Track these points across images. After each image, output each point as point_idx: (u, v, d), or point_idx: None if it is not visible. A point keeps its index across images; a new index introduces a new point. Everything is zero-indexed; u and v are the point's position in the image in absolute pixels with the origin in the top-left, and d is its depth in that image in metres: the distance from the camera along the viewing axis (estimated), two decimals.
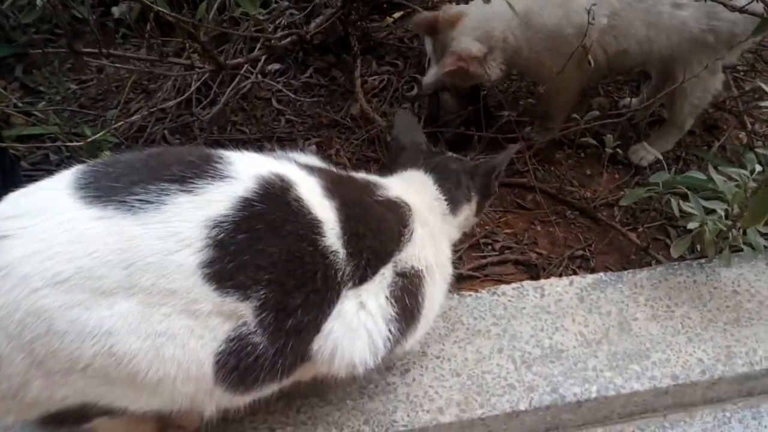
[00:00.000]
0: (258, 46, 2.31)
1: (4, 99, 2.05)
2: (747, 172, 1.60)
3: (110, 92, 2.55)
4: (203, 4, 1.78)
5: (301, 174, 1.25)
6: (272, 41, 2.22)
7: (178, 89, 2.48)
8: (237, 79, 2.35)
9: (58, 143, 2.13)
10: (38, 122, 2.29)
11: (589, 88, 2.74)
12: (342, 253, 1.20)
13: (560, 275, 2.05)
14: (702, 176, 1.87)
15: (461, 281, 2.01)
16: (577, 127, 2.21)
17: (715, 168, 1.85)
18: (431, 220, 1.45)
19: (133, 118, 2.09)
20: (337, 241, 1.19)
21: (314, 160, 1.47)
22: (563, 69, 2.14)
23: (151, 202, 1.02)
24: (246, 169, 1.14)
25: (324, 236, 1.17)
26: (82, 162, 1.16)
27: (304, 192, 1.19)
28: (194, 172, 1.08)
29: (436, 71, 2.29)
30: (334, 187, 1.27)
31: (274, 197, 1.14)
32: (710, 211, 1.72)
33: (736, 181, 1.68)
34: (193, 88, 2.34)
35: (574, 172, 2.49)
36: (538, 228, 2.30)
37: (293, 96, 2.68)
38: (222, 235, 1.04)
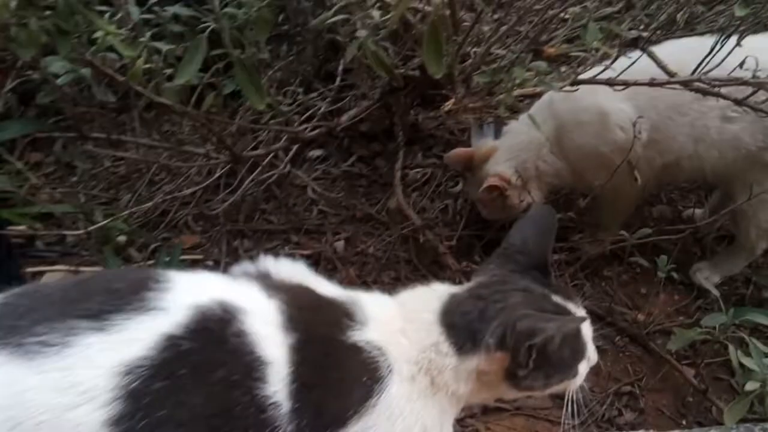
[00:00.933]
0: (284, 137, 2.19)
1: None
2: None
3: (136, 172, 2.47)
4: (211, 95, 1.67)
5: (258, 298, 1.04)
6: (297, 134, 2.10)
7: (207, 171, 2.38)
8: (257, 170, 2.23)
9: (77, 223, 2.05)
10: (62, 200, 2.22)
11: (650, 195, 2.51)
12: (285, 406, 0.95)
13: (603, 415, 1.80)
14: (764, 316, 1.61)
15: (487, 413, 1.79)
16: (626, 242, 1.97)
17: None
18: (425, 372, 1.12)
19: (146, 205, 1.98)
20: (282, 389, 0.95)
21: (298, 271, 1.27)
22: (610, 181, 1.94)
23: (53, 345, 0.84)
24: (182, 298, 0.94)
25: (265, 383, 0.94)
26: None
27: (252, 324, 0.97)
28: (115, 304, 0.89)
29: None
30: (301, 316, 1.04)
31: (209, 333, 0.93)
32: None
33: None
34: (214, 176, 2.24)
35: (627, 290, 2.25)
36: None
37: (328, 185, 2.55)
38: (136, 383, 0.84)
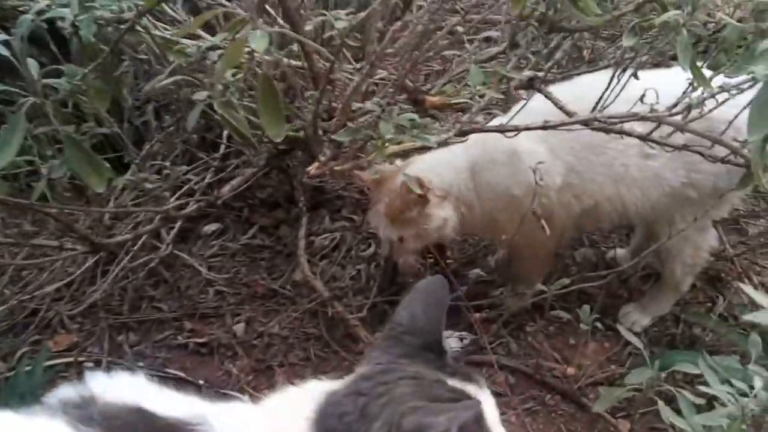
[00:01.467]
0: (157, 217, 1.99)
1: None
2: (746, 388, 1.18)
3: None
4: (40, 182, 1.45)
5: None
6: (168, 212, 1.90)
7: (77, 263, 2.14)
8: (128, 257, 2.01)
9: None
10: None
11: (571, 240, 2.39)
12: None
13: None
14: (694, 366, 1.46)
15: None
16: (545, 295, 1.82)
17: (711, 353, 1.45)
18: None
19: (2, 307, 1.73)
20: None
21: (136, 389, 1.05)
22: (523, 231, 1.80)
23: None
24: None
25: None
26: None
27: None
28: None
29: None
30: None
31: None
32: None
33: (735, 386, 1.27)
34: (82, 268, 2.01)
35: (554, 343, 2.09)
36: (512, 419, 1.87)
37: (226, 261, 2.35)
38: None
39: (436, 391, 0.95)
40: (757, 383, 1.09)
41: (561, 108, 1.64)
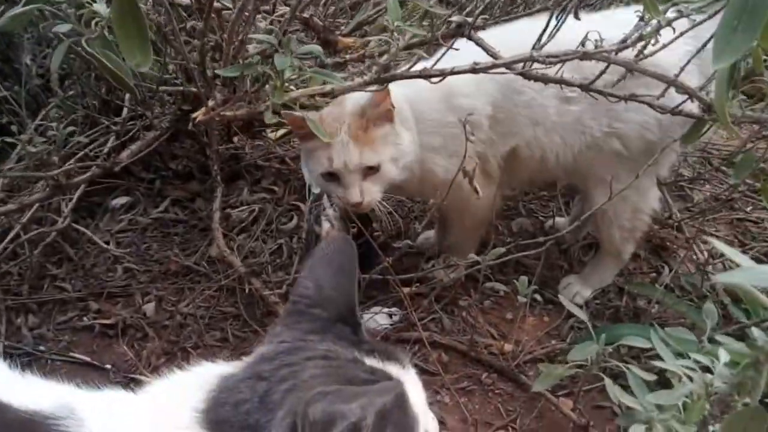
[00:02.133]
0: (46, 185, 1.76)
1: None
2: (707, 362, 1.03)
3: None
4: None
5: None
6: (58, 179, 1.67)
7: None
8: (14, 231, 1.79)
9: None
10: None
11: (507, 207, 2.25)
12: None
13: None
14: (644, 340, 1.31)
15: None
16: (479, 266, 1.66)
17: (662, 325, 1.32)
18: None
19: None
20: None
21: None
22: (453, 186, 1.63)
23: None
24: None
25: None
26: None
27: None
28: None
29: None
30: None
31: None
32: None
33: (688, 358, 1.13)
34: None
35: (490, 318, 1.95)
36: (446, 400, 1.72)
37: (136, 237, 2.13)
38: None
39: (350, 372, 0.79)
40: (723, 356, 0.94)
41: (489, 53, 1.48)
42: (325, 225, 2.00)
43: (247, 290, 1.90)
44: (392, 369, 0.84)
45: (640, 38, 1.24)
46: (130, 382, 1.76)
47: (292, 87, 1.21)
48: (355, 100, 1.59)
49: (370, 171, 1.62)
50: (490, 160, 1.77)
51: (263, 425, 0.72)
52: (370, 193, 1.63)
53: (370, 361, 0.83)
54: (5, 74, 2.30)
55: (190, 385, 0.80)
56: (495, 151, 1.76)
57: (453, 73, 1.36)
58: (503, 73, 1.41)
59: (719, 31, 1.00)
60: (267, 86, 1.20)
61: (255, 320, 1.91)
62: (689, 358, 1.24)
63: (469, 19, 1.59)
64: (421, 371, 1.73)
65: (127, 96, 2.02)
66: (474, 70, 1.38)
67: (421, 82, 1.63)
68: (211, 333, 1.89)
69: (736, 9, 0.99)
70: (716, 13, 1.15)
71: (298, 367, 0.78)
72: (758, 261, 2.08)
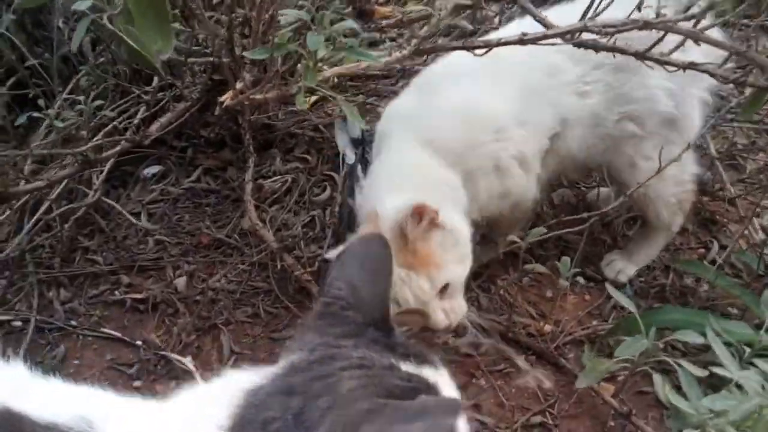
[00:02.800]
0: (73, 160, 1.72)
1: None
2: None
3: None
4: None
5: None
6: (86, 154, 1.63)
7: None
8: (45, 206, 1.76)
9: None
10: None
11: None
12: None
13: None
14: (697, 334, 1.24)
15: None
16: (518, 244, 1.59)
17: (706, 308, 1.23)
18: None
19: None
20: None
21: (9, 382, 0.84)
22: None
23: None
24: None
25: None
26: None
27: None
28: None
29: None
30: None
31: None
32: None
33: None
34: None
35: (529, 296, 1.88)
36: (482, 382, 1.68)
37: (168, 208, 2.10)
38: None
39: (388, 381, 0.72)
40: None
41: (540, 21, 1.38)
42: (359, 197, 1.94)
43: (279, 266, 1.86)
44: (428, 373, 0.79)
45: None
46: (160, 359, 1.75)
47: (324, 67, 1.13)
48: (389, 218, 1.42)
49: (444, 289, 1.45)
50: (528, 153, 1.68)
51: None
52: (454, 311, 1.47)
53: (406, 367, 0.77)
54: (36, 39, 2.26)
55: (215, 400, 0.75)
56: (531, 146, 1.68)
57: (501, 44, 1.27)
58: (554, 44, 1.31)
59: None
60: (299, 65, 1.13)
61: (287, 296, 1.87)
62: (744, 352, 1.17)
63: None
64: (456, 352, 1.71)
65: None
66: (522, 41, 1.29)
67: (431, 110, 1.60)
68: (242, 309, 1.87)
69: None
70: None
71: (334, 378, 0.72)
72: None
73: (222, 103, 1.23)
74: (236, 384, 0.75)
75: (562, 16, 1.35)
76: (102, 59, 2.09)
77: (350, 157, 2.06)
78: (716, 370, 1.01)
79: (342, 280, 0.84)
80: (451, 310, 1.46)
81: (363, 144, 2.06)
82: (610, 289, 1.39)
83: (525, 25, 1.40)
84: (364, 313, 0.81)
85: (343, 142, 2.11)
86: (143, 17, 0.94)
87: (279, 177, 2.20)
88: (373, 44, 2.03)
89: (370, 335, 0.80)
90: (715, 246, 1.97)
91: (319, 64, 1.08)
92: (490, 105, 1.61)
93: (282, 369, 0.77)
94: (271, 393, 0.72)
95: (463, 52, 1.33)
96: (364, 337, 0.79)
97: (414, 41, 1.24)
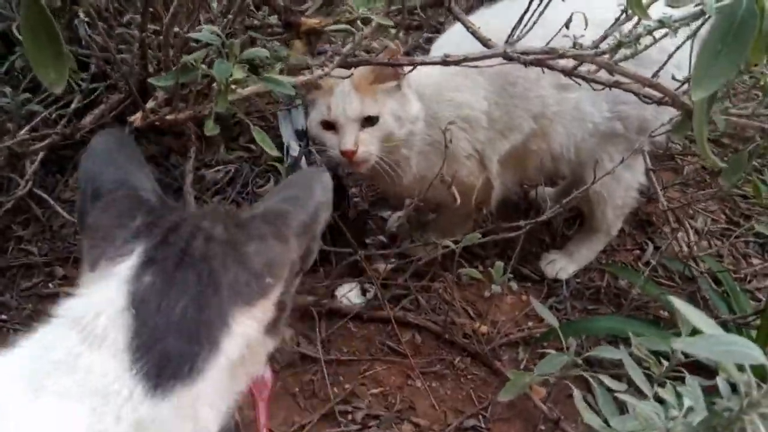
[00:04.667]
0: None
1: None
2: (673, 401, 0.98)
3: None
4: None
5: None
6: (12, 148, 1.58)
7: None
8: None
9: None
10: None
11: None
12: None
13: None
14: (613, 350, 1.26)
15: None
16: (454, 246, 1.59)
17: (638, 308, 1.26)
18: None
19: None
20: None
21: None
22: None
23: None
24: None
25: None
26: None
27: None
28: None
29: None
30: None
31: None
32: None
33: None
34: None
35: (467, 294, 1.90)
36: (418, 384, 1.69)
37: None
38: None
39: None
40: (686, 402, 0.88)
41: (475, 35, 1.36)
42: None
43: None
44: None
45: (619, 44, 1.13)
46: None
47: (238, 90, 1.10)
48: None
49: (369, 123, 1.54)
50: (492, 158, 1.71)
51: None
52: (365, 144, 1.53)
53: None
54: None
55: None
56: (496, 149, 1.70)
57: (422, 63, 1.26)
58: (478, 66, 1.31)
59: (700, 57, 0.91)
60: (213, 84, 1.11)
61: None
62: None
63: None
64: (393, 353, 1.73)
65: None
66: (444, 62, 1.28)
67: (418, 77, 1.56)
68: None
69: (720, 31, 0.89)
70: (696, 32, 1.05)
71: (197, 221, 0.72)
72: (746, 244, 2.06)
73: (131, 123, 1.20)
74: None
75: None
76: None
77: (294, 148, 2.03)
78: (623, 396, 1.03)
79: (106, 171, 0.76)
80: (361, 141, 1.53)
81: (306, 136, 2.04)
82: (536, 304, 1.41)
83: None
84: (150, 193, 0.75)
85: (287, 134, 2.08)
86: (37, 50, 0.89)
87: (222, 167, 2.17)
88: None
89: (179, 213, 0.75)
90: (650, 248, 2.02)
91: (233, 86, 1.05)
92: (465, 95, 1.61)
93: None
94: (165, 280, 0.66)
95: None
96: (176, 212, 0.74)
97: (337, 59, 1.22)
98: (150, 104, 1.22)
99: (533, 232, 2.00)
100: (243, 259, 0.69)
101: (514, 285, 1.67)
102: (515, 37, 1.26)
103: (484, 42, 1.28)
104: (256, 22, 1.48)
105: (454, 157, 1.64)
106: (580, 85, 1.36)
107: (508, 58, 1.18)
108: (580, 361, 1.26)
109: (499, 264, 1.59)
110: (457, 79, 1.62)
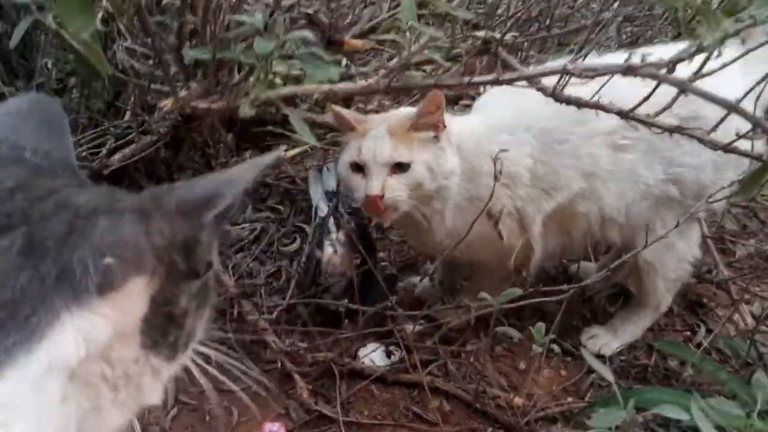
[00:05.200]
0: None
1: None
2: None
3: None
4: None
5: None
6: None
7: None
8: None
9: None
10: None
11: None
12: None
13: None
14: (682, 410, 1.11)
15: None
16: (491, 308, 1.46)
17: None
18: None
19: None
20: None
21: None
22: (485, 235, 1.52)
23: None
24: None
25: None
26: None
27: None
28: None
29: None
30: None
31: None
32: None
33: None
34: None
35: (501, 365, 1.75)
36: None
37: None
38: None
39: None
40: None
41: (521, 74, 1.31)
42: (328, 250, 1.84)
43: (236, 313, 1.73)
44: None
45: (697, 52, 1.05)
46: None
47: (278, 80, 1.04)
48: (410, 111, 1.51)
49: (399, 170, 1.46)
50: (534, 218, 1.61)
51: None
52: (392, 189, 1.45)
53: None
54: (22, 73, 2.19)
55: None
56: (539, 208, 1.60)
57: (474, 83, 1.20)
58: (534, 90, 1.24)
59: None
60: (251, 78, 1.04)
61: (242, 347, 1.73)
62: None
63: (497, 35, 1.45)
64: (418, 419, 1.57)
65: (132, 99, 1.87)
66: (497, 81, 1.21)
67: (459, 130, 1.53)
68: None
69: None
70: None
71: (60, 195, 0.57)
72: None
73: (162, 108, 1.14)
74: None
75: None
76: (76, 94, 2.02)
77: (323, 209, 1.96)
78: None
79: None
80: (388, 187, 1.45)
81: (337, 197, 1.97)
82: (587, 354, 1.27)
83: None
84: (47, 160, 0.63)
85: (317, 195, 2.01)
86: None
87: (248, 225, 2.10)
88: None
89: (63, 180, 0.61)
90: (702, 330, 1.86)
91: (277, 81, 0.99)
92: (503, 141, 1.52)
93: None
94: None
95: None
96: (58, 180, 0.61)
97: (382, 72, 1.16)
98: (183, 93, 1.15)
99: (574, 306, 1.86)
100: (86, 234, 0.53)
101: (556, 348, 1.52)
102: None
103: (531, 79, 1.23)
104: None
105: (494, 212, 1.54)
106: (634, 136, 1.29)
107: (570, 74, 1.11)
108: (640, 419, 1.10)
109: (541, 324, 1.45)
110: (502, 136, 1.56)
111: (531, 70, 1.20)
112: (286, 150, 2.41)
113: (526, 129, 1.55)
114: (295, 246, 2.04)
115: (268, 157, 0.58)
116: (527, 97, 1.51)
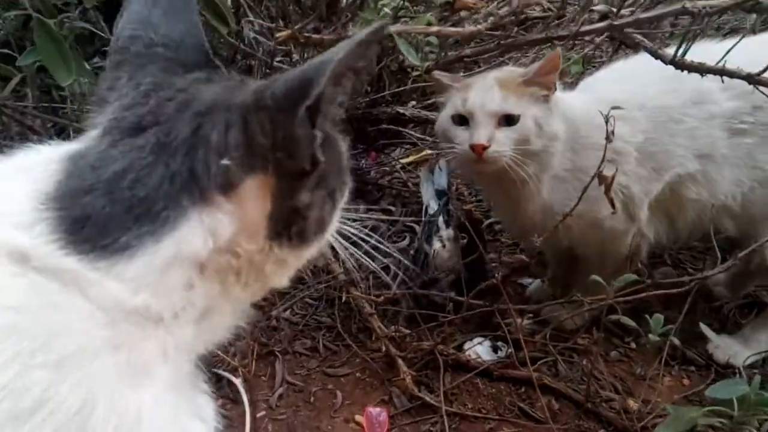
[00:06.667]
0: None
1: None
2: None
3: None
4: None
5: None
6: None
7: None
8: None
9: None
10: None
11: (651, 254, 1.93)
12: None
13: None
14: None
15: None
16: (603, 303, 1.38)
17: None
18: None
19: None
20: None
21: None
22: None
23: None
24: None
25: None
26: None
27: None
28: None
29: None
30: None
31: None
32: None
33: None
34: None
35: (616, 370, 1.64)
36: None
37: None
38: None
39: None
40: None
41: (649, 50, 1.26)
42: (436, 244, 1.83)
43: (344, 299, 1.74)
44: None
45: None
46: (212, 377, 1.63)
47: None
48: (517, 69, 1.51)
49: (506, 122, 1.41)
50: (639, 198, 1.52)
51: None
52: (498, 143, 1.39)
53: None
54: None
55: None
56: (645, 189, 1.52)
57: (583, 33, 1.17)
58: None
59: None
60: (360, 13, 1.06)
61: (349, 334, 1.74)
62: None
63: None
64: (525, 416, 1.50)
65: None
66: (610, 27, 1.18)
67: (566, 100, 1.49)
68: (302, 341, 1.75)
69: None
70: None
71: (187, 95, 0.63)
72: None
73: (278, 38, 1.18)
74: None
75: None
76: None
77: (433, 207, 1.95)
78: None
79: (135, 22, 0.70)
80: (496, 139, 1.39)
81: (447, 195, 1.96)
82: (721, 354, 1.15)
83: None
84: (178, 52, 0.68)
85: (428, 194, 2.01)
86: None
87: (357, 222, 2.11)
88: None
89: (194, 75, 0.67)
90: None
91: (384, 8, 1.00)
92: (619, 125, 1.40)
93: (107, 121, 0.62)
94: (114, 141, 0.59)
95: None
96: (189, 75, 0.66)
97: (491, 20, 1.15)
98: (297, 26, 1.19)
99: (700, 315, 1.74)
100: (205, 134, 0.58)
101: (676, 341, 1.41)
102: None
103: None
104: None
105: (597, 193, 1.45)
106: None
107: (686, 12, 1.06)
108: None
109: (659, 315, 1.36)
110: (613, 111, 1.48)
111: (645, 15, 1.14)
112: (400, 158, 2.44)
113: (640, 107, 1.48)
114: (404, 243, 2.04)
115: (365, 31, 0.58)
116: (642, 78, 1.46)
